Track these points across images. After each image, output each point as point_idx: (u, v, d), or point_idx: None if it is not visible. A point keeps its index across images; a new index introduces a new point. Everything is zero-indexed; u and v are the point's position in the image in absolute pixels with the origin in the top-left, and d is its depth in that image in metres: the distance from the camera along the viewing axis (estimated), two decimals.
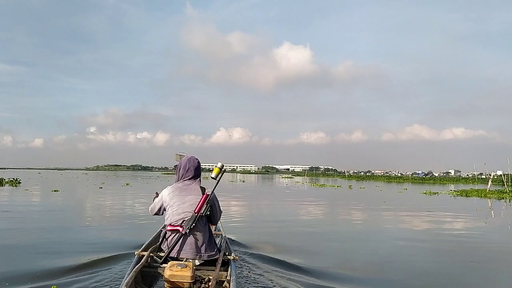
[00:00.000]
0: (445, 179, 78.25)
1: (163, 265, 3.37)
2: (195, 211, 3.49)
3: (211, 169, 3.83)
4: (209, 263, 3.56)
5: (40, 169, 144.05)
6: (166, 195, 3.69)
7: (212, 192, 3.65)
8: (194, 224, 3.45)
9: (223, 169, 3.78)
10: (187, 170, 3.78)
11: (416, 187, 40.07)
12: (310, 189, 31.72)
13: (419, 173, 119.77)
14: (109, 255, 5.42)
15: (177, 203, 3.60)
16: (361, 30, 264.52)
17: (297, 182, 49.24)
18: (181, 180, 3.77)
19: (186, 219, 3.49)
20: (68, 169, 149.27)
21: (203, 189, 3.68)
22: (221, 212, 3.88)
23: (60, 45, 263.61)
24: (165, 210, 3.70)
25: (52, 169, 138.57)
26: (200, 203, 3.52)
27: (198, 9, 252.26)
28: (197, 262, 3.47)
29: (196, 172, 3.81)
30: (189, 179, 3.76)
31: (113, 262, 5.08)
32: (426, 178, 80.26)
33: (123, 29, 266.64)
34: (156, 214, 3.84)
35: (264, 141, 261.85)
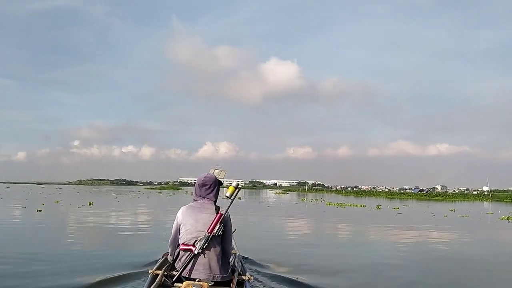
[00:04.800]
0: (454, 195, 73.51)
1: (177, 284, 3.32)
2: (208, 231, 3.40)
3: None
4: (223, 283, 3.46)
5: (21, 183, 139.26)
6: (179, 214, 3.60)
7: (226, 211, 3.55)
8: (206, 244, 3.37)
9: (238, 188, 3.66)
10: (202, 188, 3.65)
11: (442, 205, 36.03)
12: (331, 209, 26.92)
13: (414, 189, 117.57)
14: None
15: (190, 222, 3.51)
16: (348, 46, 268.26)
17: (303, 199, 44.37)
18: (196, 199, 3.67)
19: (199, 238, 3.41)
20: (50, 183, 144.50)
21: (217, 208, 3.57)
22: (233, 230, 3.80)
23: (46, 59, 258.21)
24: (179, 230, 3.59)
25: (33, 183, 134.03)
26: (214, 222, 3.42)
27: (185, 23, 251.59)
28: (210, 283, 3.35)
29: (212, 190, 3.67)
30: (204, 197, 3.64)
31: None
32: (432, 195, 75.65)
33: (109, 42, 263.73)
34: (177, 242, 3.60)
35: (251, 156, 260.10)
